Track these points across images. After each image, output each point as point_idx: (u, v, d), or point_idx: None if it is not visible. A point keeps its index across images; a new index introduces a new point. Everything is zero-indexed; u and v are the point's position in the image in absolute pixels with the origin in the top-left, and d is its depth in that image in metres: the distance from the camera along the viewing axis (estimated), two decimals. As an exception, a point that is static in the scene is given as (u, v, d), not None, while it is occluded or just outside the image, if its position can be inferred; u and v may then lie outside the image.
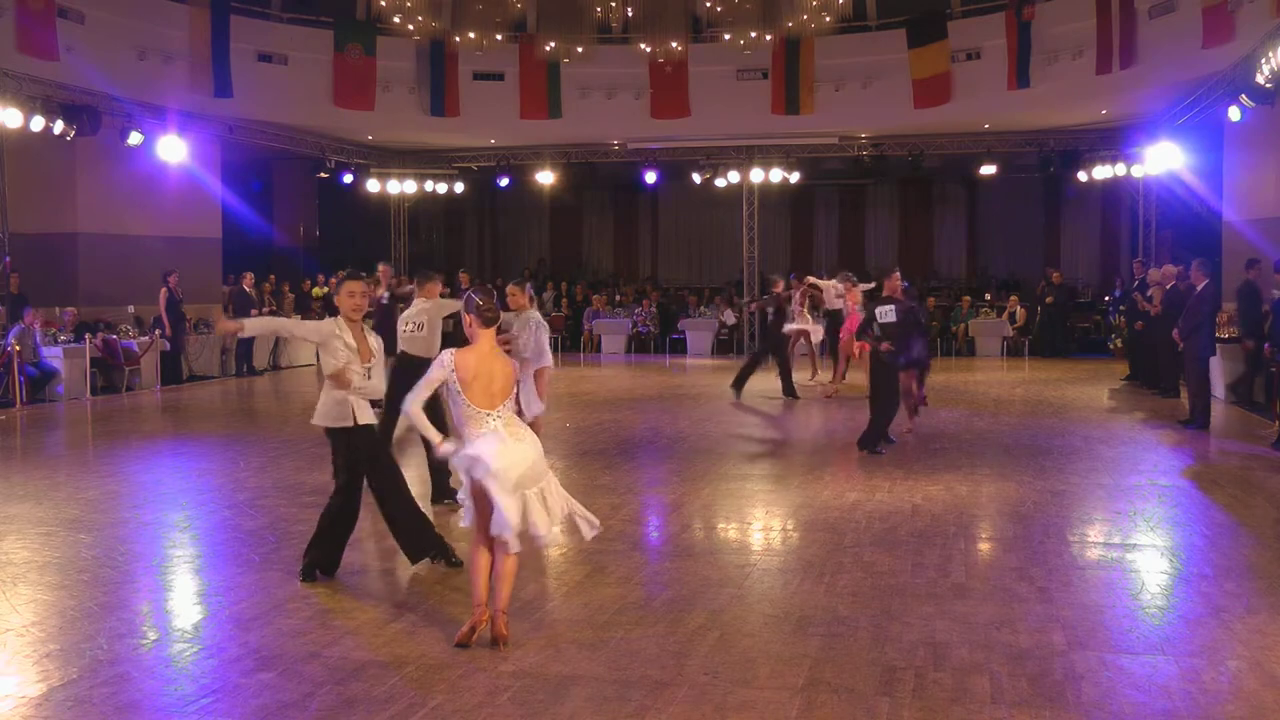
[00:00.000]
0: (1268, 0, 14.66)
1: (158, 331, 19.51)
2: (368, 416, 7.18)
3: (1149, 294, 17.29)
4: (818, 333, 19.35)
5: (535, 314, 10.52)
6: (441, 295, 10.35)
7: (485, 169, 27.49)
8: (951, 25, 21.92)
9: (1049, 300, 24.87)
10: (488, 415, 5.83)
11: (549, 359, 10.50)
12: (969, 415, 15.28)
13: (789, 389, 17.23)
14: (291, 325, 7.91)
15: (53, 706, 5.14)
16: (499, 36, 22.43)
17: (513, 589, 6.09)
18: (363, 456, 7.23)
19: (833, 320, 19.17)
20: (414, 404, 5.89)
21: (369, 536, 8.64)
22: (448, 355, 5.87)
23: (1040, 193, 29.01)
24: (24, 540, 8.36)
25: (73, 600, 6.82)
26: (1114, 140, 23.59)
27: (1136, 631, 6.15)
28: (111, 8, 18.85)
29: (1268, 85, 14.65)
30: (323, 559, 7.31)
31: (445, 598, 6.86)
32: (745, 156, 25.56)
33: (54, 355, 17.53)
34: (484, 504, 5.84)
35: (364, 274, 8.00)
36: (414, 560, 7.49)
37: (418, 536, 7.46)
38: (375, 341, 7.24)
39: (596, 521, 6.19)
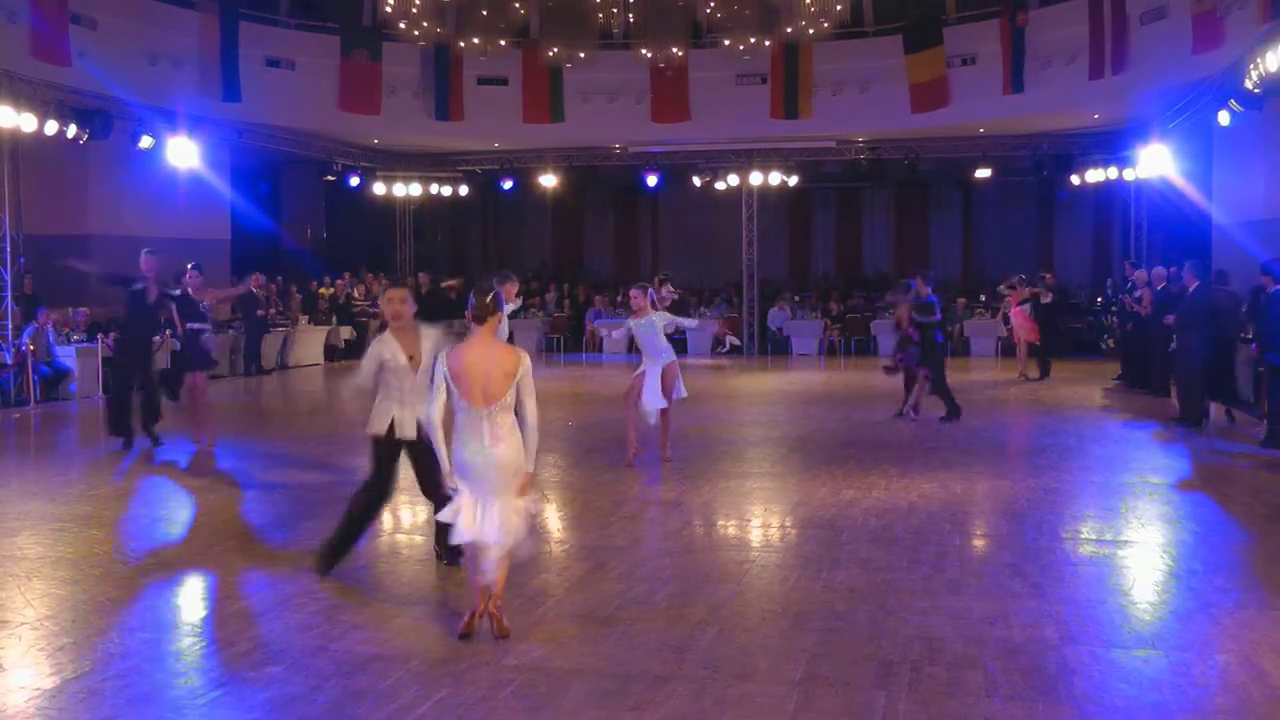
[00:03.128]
0: (1256, 7, 14.80)
1: (169, 331, 19.62)
2: (407, 433, 7.04)
3: (1137, 295, 17.42)
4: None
5: (654, 316, 11.27)
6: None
7: (489, 172, 27.64)
8: (947, 31, 22.08)
9: (1042, 301, 24.90)
10: (478, 412, 5.82)
11: (670, 355, 11.30)
12: (964, 414, 15.34)
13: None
14: (363, 373, 7.18)
15: (66, 699, 5.21)
16: (503, 42, 22.50)
17: (517, 583, 6.17)
18: (393, 466, 7.19)
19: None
20: (435, 413, 5.93)
21: (374, 534, 8.77)
22: (443, 354, 5.94)
23: (1034, 195, 29.12)
24: (38, 536, 8.46)
25: (85, 595, 6.91)
26: (1106, 144, 23.71)
27: (1128, 626, 6.21)
28: (123, 14, 18.99)
29: (1256, 90, 14.77)
30: (328, 554, 7.34)
31: (450, 592, 6.94)
32: (744, 160, 25.71)
33: (67, 355, 17.76)
34: None
35: (407, 279, 7.70)
36: (448, 559, 7.42)
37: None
38: (432, 346, 6.89)
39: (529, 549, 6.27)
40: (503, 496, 5.84)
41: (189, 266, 13.52)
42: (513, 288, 10.84)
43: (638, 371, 11.45)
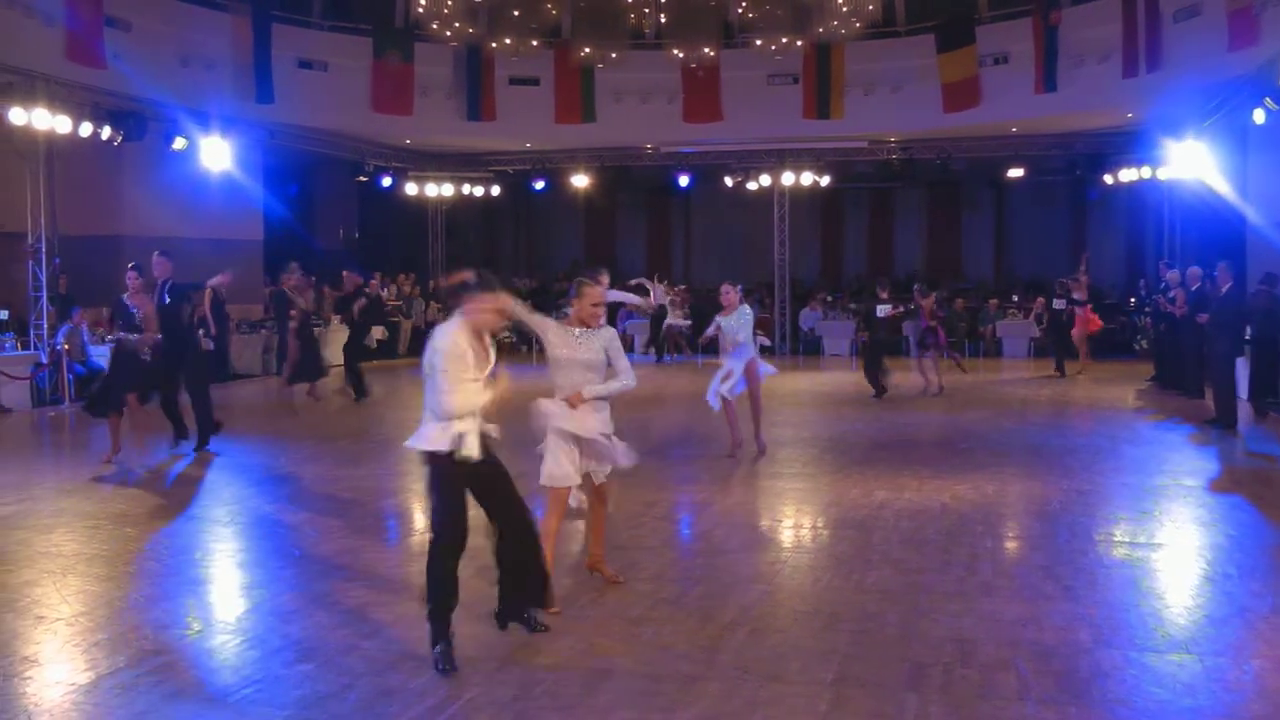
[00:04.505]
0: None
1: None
2: (469, 450, 5.64)
3: (1171, 295, 17.27)
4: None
5: (744, 310, 11.97)
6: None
7: (521, 172, 27.74)
8: (979, 30, 21.93)
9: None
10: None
11: (751, 351, 12.01)
12: (996, 415, 15.30)
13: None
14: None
15: (101, 694, 5.27)
16: (534, 43, 22.55)
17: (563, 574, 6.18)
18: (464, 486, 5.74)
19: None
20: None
21: (406, 534, 8.81)
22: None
23: (1067, 195, 28.96)
24: (73, 533, 8.55)
25: (119, 591, 6.99)
26: (1139, 143, 23.39)
27: (1161, 630, 6.16)
28: (157, 16, 19.14)
29: (1291, 88, 14.63)
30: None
31: (482, 592, 6.86)
32: (776, 160, 25.69)
33: (101, 354, 17.84)
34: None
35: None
36: (501, 623, 6.06)
37: (513, 593, 6.00)
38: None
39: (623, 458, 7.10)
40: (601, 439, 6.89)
41: (129, 266, 11.99)
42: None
43: (724, 370, 11.95)
